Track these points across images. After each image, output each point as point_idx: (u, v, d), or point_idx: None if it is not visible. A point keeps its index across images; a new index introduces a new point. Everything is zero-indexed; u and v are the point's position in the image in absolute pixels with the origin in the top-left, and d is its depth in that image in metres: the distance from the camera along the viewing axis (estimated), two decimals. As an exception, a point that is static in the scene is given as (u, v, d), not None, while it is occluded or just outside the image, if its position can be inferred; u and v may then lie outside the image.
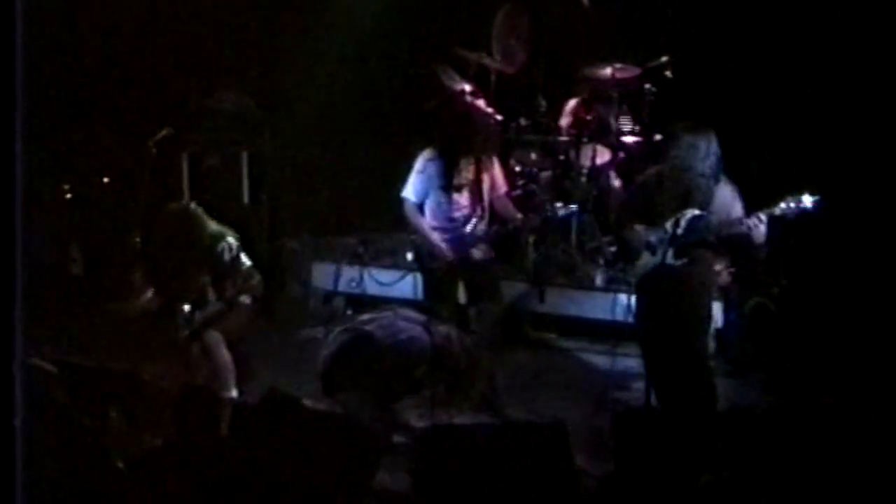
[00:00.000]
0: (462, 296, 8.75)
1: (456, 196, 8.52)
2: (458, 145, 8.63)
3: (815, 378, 8.23)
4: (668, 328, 7.53)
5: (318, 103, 10.70)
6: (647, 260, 7.56)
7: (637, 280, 7.72)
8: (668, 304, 7.52)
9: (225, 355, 7.76)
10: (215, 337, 7.75)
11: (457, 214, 8.51)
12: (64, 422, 5.78)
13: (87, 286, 9.78)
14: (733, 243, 7.50)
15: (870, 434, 5.82)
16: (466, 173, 8.54)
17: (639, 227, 7.62)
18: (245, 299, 7.93)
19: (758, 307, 9.18)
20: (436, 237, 8.44)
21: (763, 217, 7.23)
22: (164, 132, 9.64)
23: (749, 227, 7.26)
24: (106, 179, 9.96)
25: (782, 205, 7.19)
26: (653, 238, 7.55)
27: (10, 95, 2.45)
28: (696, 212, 7.42)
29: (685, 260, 7.43)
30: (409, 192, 8.53)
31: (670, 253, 7.45)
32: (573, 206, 9.43)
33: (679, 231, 7.40)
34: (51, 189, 9.57)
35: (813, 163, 9.13)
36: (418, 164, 8.58)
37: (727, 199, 7.49)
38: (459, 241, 8.45)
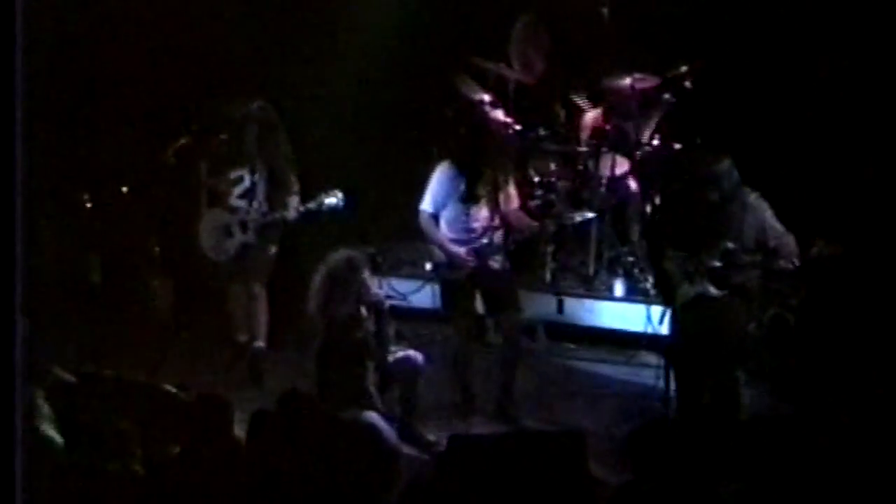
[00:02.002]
0: (479, 306, 8.74)
1: (473, 208, 8.50)
2: (475, 157, 8.62)
3: (832, 389, 8.20)
4: (705, 354, 7.66)
5: (336, 112, 10.70)
6: (687, 291, 7.67)
7: (678, 309, 7.80)
8: (708, 334, 7.65)
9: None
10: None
11: (474, 226, 8.49)
12: (81, 431, 5.79)
13: (106, 294, 9.80)
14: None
15: (889, 444, 5.81)
16: (484, 185, 8.52)
17: (674, 256, 7.73)
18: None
19: (776, 318, 9.16)
20: (453, 247, 8.43)
21: (797, 262, 7.40)
22: (182, 140, 9.66)
23: (784, 267, 7.43)
24: (125, 188, 9.98)
25: (815, 249, 7.34)
26: (689, 267, 7.66)
27: (11, 102, 2.46)
28: (731, 245, 7.55)
29: (725, 292, 7.57)
30: (427, 203, 8.52)
31: (709, 284, 7.57)
32: (588, 213, 9.48)
33: (716, 263, 7.53)
34: (70, 198, 9.59)
35: (832, 173, 9.11)
36: (436, 175, 8.57)
37: (757, 212, 7.60)
38: (476, 251, 8.44)
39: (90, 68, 9.78)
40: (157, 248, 10.03)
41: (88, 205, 9.76)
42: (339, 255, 7.78)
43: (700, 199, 7.75)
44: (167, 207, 9.98)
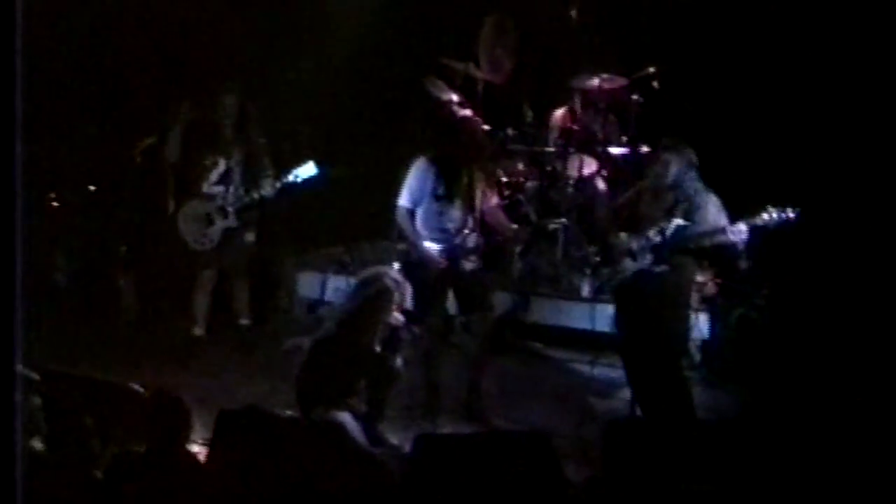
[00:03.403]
0: (451, 305, 8.71)
1: (448, 206, 8.44)
2: (450, 155, 8.58)
3: (799, 388, 8.23)
4: (645, 334, 7.58)
5: (305, 111, 10.68)
6: (628, 266, 7.61)
7: (616, 286, 7.75)
8: (645, 310, 7.58)
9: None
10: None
11: (448, 225, 8.42)
12: (44, 429, 5.76)
13: (72, 294, 9.76)
14: (715, 252, 7.55)
15: (855, 442, 5.83)
16: (459, 183, 8.46)
17: (622, 235, 7.67)
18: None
19: (742, 318, 9.19)
20: (424, 246, 8.38)
21: (744, 227, 7.27)
22: (148, 140, 9.64)
23: (729, 236, 7.31)
24: (92, 188, 9.93)
25: (764, 215, 7.23)
26: (634, 245, 7.60)
27: (10, 101, 2.44)
28: (681, 221, 7.47)
29: (664, 267, 7.49)
30: (404, 199, 8.44)
31: (650, 259, 7.51)
32: (563, 220, 9.48)
33: (661, 239, 7.46)
34: (37, 197, 9.54)
35: (796, 172, 9.15)
36: (412, 170, 8.50)
37: (712, 211, 7.52)
38: (449, 251, 8.39)
39: (56, 67, 9.72)
40: (123, 248, 9.99)
41: (55, 204, 9.70)
42: (377, 271, 8.00)
43: (653, 185, 7.70)
44: (134, 206, 9.95)
